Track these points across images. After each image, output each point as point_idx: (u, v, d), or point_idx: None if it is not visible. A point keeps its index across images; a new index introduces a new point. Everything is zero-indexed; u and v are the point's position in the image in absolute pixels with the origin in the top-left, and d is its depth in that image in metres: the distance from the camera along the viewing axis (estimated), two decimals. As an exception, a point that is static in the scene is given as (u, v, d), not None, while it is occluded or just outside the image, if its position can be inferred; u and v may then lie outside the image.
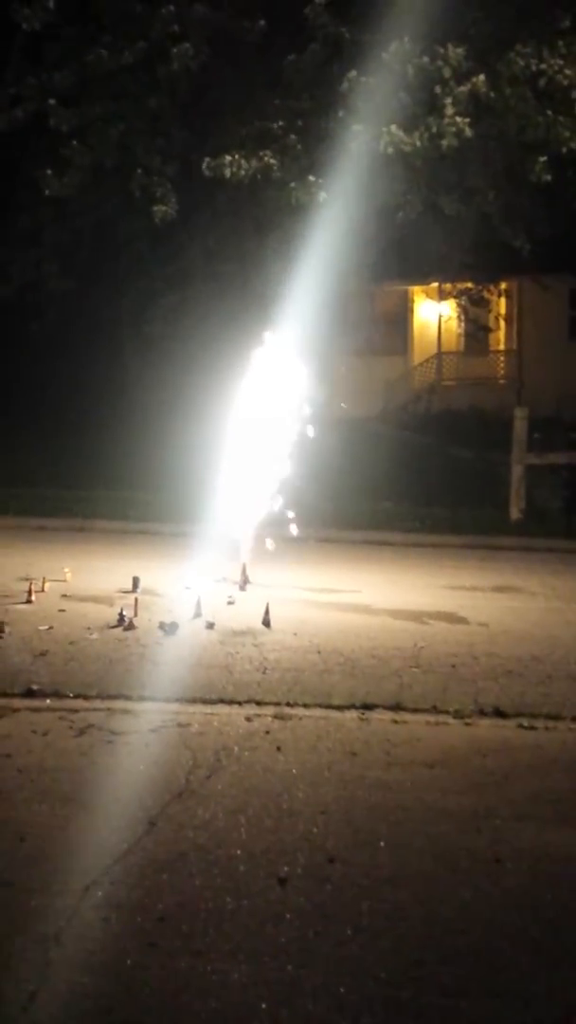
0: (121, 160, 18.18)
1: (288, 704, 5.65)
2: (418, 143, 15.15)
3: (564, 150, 15.45)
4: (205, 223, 19.04)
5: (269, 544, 9.31)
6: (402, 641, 7.20)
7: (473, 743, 5.18)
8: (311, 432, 9.28)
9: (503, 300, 26.26)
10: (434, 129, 15.11)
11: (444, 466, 17.94)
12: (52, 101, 17.63)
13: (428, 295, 26.49)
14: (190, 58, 17.60)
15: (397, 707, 5.68)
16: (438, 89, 15.26)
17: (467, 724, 5.49)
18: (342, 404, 20.60)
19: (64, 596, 8.32)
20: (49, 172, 17.63)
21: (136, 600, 7.81)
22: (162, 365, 20.77)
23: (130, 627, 7.21)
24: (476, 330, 26.11)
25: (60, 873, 3.60)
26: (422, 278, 24.93)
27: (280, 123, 16.71)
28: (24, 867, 3.65)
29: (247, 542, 9.31)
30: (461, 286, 24.46)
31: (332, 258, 16.21)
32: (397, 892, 3.57)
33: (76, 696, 5.67)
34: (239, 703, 5.65)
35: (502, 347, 27.05)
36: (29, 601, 8.00)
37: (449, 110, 14.99)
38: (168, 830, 3.97)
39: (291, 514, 9.37)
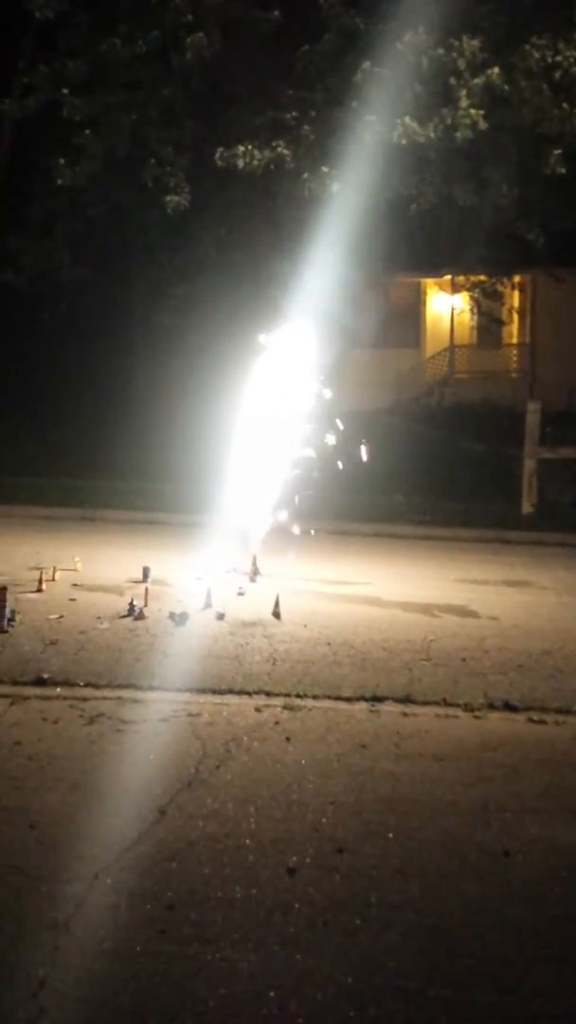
0: (134, 150, 18.18)
1: (298, 695, 5.66)
2: (432, 135, 15.10)
3: (579, 143, 15.39)
4: (217, 214, 19.01)
5: (296, 529, 9.32)
6: (412, 634, 7.19)
7: (483, 736, 5.18)
8: (336, 427, 9.29)
9: (516, 293, 26.15)
10: (448, 121, 15.05)
11: (456, 459, 17.90)
12: (65, 91, 17.63)
13: (441, 287, 26.38)
14: (204, 48, 17.58)
15: (407, 699, 5.68)
16: (453, 81, 15.20)
17: (477, 717, 5.49)
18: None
19: (74, 585, 8.34)
20: (62, 161, 17.63)
21: (146, 590, 7.82)
22: (172, 355, 20.77)
23: (140, 617, 7.22)
24: (489, 323, 25.99)
25: (70, 860, 3.62)
26: (435, 270, 24.83)
27: (293, 114, 16.67)
28: (34, 854, 3.67)
29: (257, 533, 9.32)
30: (474, 279, 24.34)
31: (344, 250, 16.17)
32: (406, 884, 3.58)
33: (86, 685, 5.69)
34: (249, 694, 5.66)
35: (515, 340, 26.93)
36: (40, 590, 8.02)
37: (464, 102, 14.93)
38: (178, 819, 3.98)
39: (299, 501, 9.40)
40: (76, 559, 9.12)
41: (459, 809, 4.24)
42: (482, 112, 14.90)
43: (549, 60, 15.11)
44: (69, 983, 2.92)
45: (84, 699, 5.44)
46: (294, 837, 3.88)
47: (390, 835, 3.94)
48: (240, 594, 8.25)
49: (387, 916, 3.35)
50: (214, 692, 5.66)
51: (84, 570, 8.93)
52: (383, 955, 3.12)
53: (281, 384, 9.31)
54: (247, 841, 3.82)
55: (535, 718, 5.50)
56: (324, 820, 4.04)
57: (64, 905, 3.31)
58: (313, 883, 3.53)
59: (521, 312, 26.47)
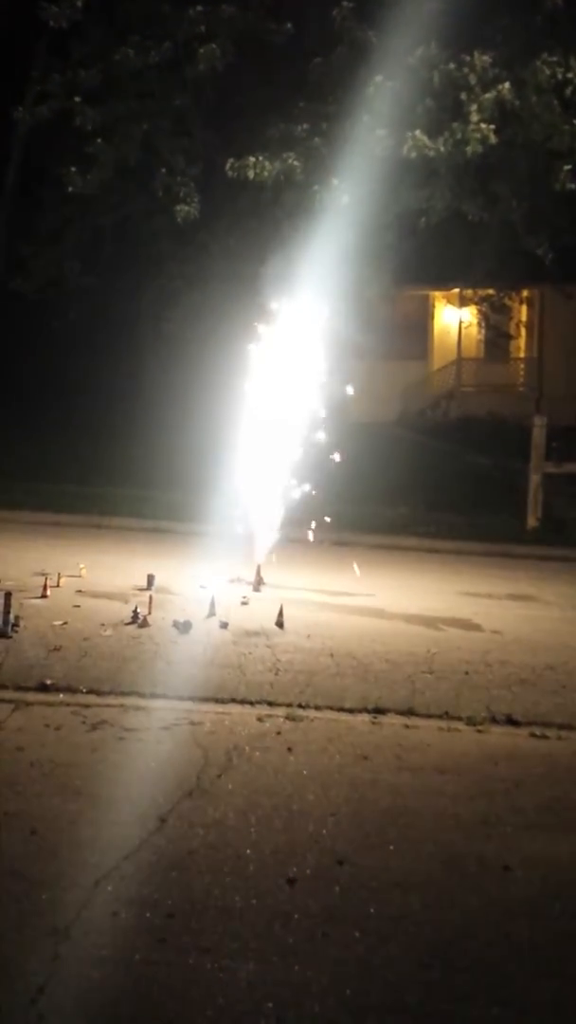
0: (145, 159, 18.26)
1: (300, 706, 5.66)
2: (442, 149, 15.15)
3: (588, 159, 15.43)
4: (227, 224, 19.08)
5: (311, 536, 9.34)
6: (415, 646, 7.19)
7: (484, 750, 5.18)
8: (324, 436, 9.31)
9: (524, 307, 26.22)
10: (459, 135, 15.10)
11: (461, 472, 17.92)
12: (78, 99, 17.72)
13: (449, 301, 26.46)
14: (216, 59, 17.67)
15: (409, 712, 5.68)
16: (463, 96, 15.26)
17: (479, 731, 5.48)
18: (349, 391, 20.70)
19: (79, 592, 8.35)
20: (73, 170, 17.73)
21: (150, 598, 7.84)
22: (180, 364, 20.82)
23: (144, 624, 7.23)
24: (496, 337, 26.06)
25: (71, 867, 3.62)
26: (444, 284, 24.91)
27: (305, 126, 16.74)
28: (35, 860, 3.67)
29: (262, 543, 9.33)
30: (483, 292, 24.41)
31: (354, 262, 16.22)
32: (406, 896, 3.57)
33: (89, 692, 5.69)
34: (251, 703, 5.66)
35: (522, 354, 26.98)
36: (44, 596, 8.03)
37: (474, 117, 14.98)
38: (178, 828, 3.99)
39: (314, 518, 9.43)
40: (81, 566, 9.14)
41: (460, 823, 4.23)
42: (492, 127, 14.95)
43: (560, 76, 15.16)
44: (68, 990, 2.92)
45: (87, 706, 5.44)
46: (295, 848, 3.88)
47: (391, 847, 3.94)
48: (244, 603, 8.26)
49: (387, 928, 3.35)
50: (216, 701, 5.66)
51: (89, 577, 8.94)
52: (382, 967, 3.12)
53: (287, 393, 9.33)
54: (247, 851, 3.82)
55: (537, 733, 5.49)
56: (325, 831, 4.04)
57: (64, 912, 3.32)
58: (313, 894, 3.53)
59: (529, 326, 26.54)
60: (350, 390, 9.48)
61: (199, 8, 17.75)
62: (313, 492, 9.41)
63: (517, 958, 3.24)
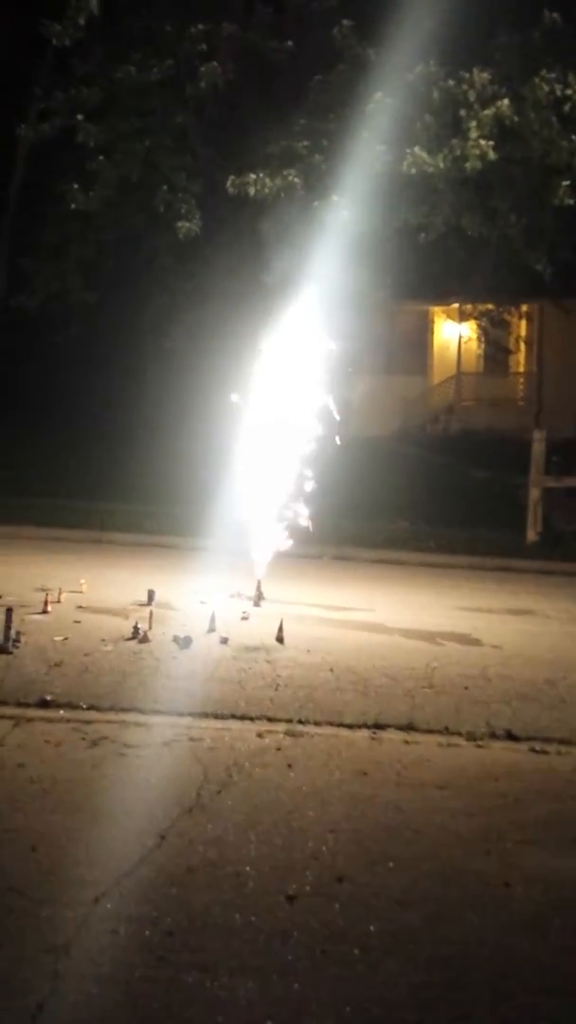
0: (147, 176, 18.37)
1: (300, 721, 5.66)
2: (442, 165, 15.26)
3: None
4: (228, 240, 19.18)
5: (308, 524, 9.31)
6: (415, 661, 7.19)
7: (484, 766, 5.17)
8: (330, 448, 9.33)
9: (523, 322, 26.30)
10: (458, 151, 15.22)
11: (461, 487, 17.94)
12: (80, 116, 17.84)
13: (449, 315, 26.54)
14: (217, 77, 17.80)
15: (409, 727, 5.68)
16: (463, 112, 15.38)
17: (479, 746, 5.48)
18: (354, 402, 20.61)
19: (80, 607, 8.36)
20: (75, 186, 17.84)
21: (151, 613, 7.84)
22: (181, 379, 20.88)
23: (144, 640, 7.24)
24: (496, 352, 26.15)
25: (70, 884, 3.62)
26: (443, 298, 25.00)
27: (305, 142, 16.85)
28: (35, 877, 3.67)
29: (262, 558, 9.34)
30: (482, 307, 24.50)
31: (354, 277, 16.29)
32: (406, 913, 3.57)
33: (89, 708, 5.69)
34: (251, 719, 5.66)
35: (522, 369, 27.06)
36: (45, 612, 8.04)
37: (473, 133, 15.10)
38: (178, 844, 3.98)
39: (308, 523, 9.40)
40: (82, 581, 9.15)
41: (460, 839, 4.23)
42: (491, 143, 15.06)
43: (558, 93, 15.30)
44: (67, 1008, 2.92)
45: (87, 722, 5.44)
46: (294, 864, 3.87)
47: (391, 864, 3.94)
48: (244, 619, 8.27)
49: (387, 946, 3.34)
50: (216, 717, 5.66)
51: (90, 592, 8.95)
52: (382, 985, 3.11)
53: (288, 409, 9.36)
54: (247, 868, 3.82)
55: (537, 748, 5.48)
56: (324, 848, 4.04)
57: (64, 929, 3.31)
58: (313, 911, 3.53)
59: (528, 341, 26.62)
60: (355, 402, 9.50)
61: (200, 26, 17.90)
62: (309, 520, 9.40)
63: (518, 975, 3.23)
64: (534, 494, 14.13)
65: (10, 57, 21.85)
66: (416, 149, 15.29)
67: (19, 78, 20.99)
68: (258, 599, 8.97)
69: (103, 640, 7.23)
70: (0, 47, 22.34)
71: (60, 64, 19.52)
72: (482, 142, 15.03)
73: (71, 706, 5.69)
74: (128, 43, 18.72)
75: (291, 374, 9.38)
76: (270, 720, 5.65)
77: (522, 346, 26.73)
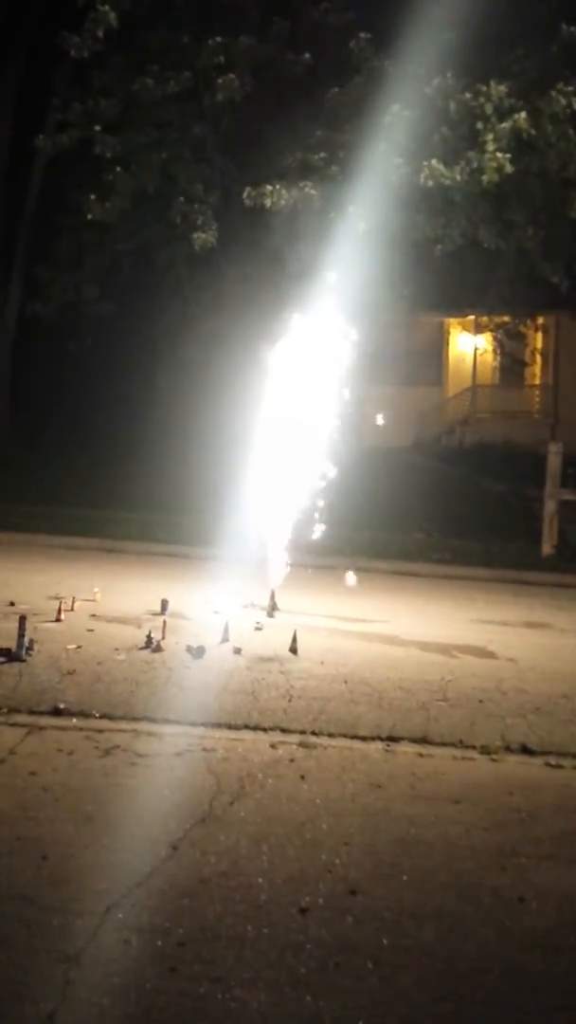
0: (163, 187, 18.43)
1: (313, 733, 5.63)
2: (458, 177, 15.26)
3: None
4: (243, 251, 19.21)
5: (315, 565, 9.29)
6: (430, 674, 7.16)
7: (499, 780, 5.13)
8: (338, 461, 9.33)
9: (540, 335, 26.25)
10: (475, 164, 15.22)
11: (476, 499, 17.89)
12: (98, 128, 17.93)
13: (464, 327, 26.51)
14: (234, 89, 17.85)
15: (423, 740, 5.65)
16: (479, 125, 15.38)
17: (494, 760, 5.44)
18: (378, 420, 20.56)
19: (93, 616, 8.36)
20: (92, 197, 17.91)
21: (164, 623, 7.84)
22: (197, 389, 20.92)
23: (157, 649, 7.22)
24: (512, 364, 26.09)
25: (82, 893, 3.60)
26: (459, 310, 24.96)
27: (322, 154, 16.88)
28: (46, 886, 3.66)
29: (276, 568, 9.32)
30: (498, 319, 24.45)
31: (370, 288, 16.29)
32: (419, 927, 3.54)
33: (102, 716, 5.69)
34: (264, 730, 5.64)
35: (537, 381, 26.98)
36: (58, 620, 8.04)
37: (490, 146, 15.10)
38: (190, 855, 3.97)
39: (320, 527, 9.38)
40: (95, 590, 9.15)
41: (474, 853, 4.20)
42: (508, 156, 15.05)
43: (575, 106, 15.28)
44: (78, 1017, 2.90)
45: (100, 731, 5.44)
46: (307, 877, 3.85)
47: (404, 877, 3.91)
48: (258, 629, 8.25)
49: (399, 959, 3.31)
50: (229, 727, 5.64)
51: (103, 601, 8.95)
52: (394, 999, 3.09)
53: (302, 419, 9.35)
54: (259, 879, 3.80)
55: (552, 762, 5.45)
56: (338, 860, 4.01)
57: (75, 939, 3.30)
58: (325, 924, 3.50)
59: (544, 353, 26.56)
60: (380, 420, 9.50)
61: (218, 39, 17.97)
62: (320, 524, 9.39)
63: (532, 990, 3.20)
64: (550, 507, 14.08)
65: (29, 68, 22.02)
66: (433, 161, 15.30)
67: (37, 89, 21.15)
68: (272, 610, 8.95)
69: (116, 649, 7.23)
70: (19, 58, 22.53)
71: (78, 76, 19.64)
72: (499, 155, 15.03)
73: (84, 715, 5.69)
74: (146, 55, 18.81)
75: (306, 382, 9.37)
76: (283, 731, 5.63)
77: (538, 358, 26.67)
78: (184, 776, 4.84)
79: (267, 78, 18.64)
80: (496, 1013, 3.06)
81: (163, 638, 7.41)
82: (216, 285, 20.12)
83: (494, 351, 26.12)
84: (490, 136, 15.15)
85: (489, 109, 15.32)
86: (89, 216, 18.11)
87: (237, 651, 7.37)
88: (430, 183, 15.28)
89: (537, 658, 8.00)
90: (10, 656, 6.71)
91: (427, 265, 17.93)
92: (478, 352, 26.24)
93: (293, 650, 7.45)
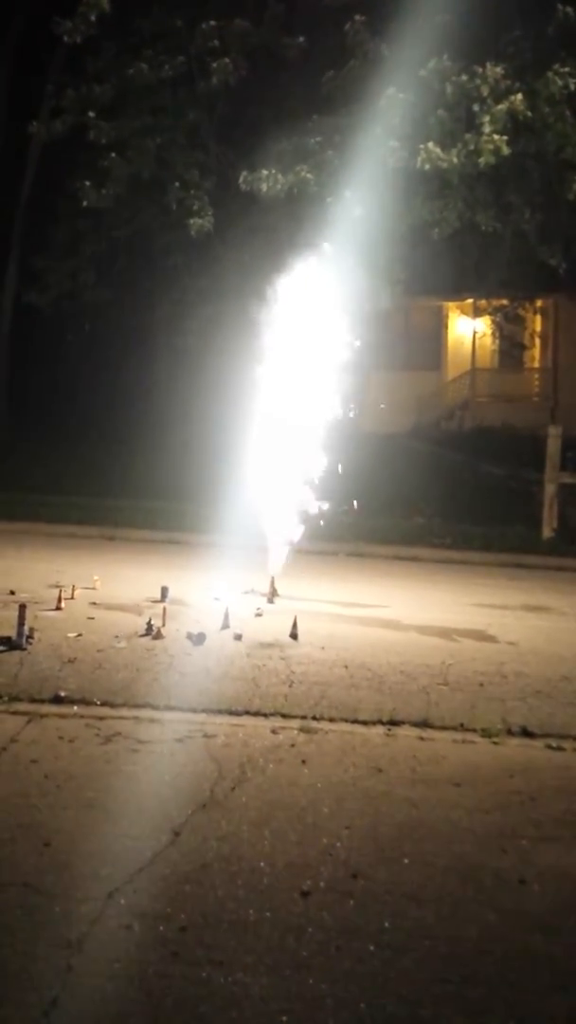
0: (159, 173, 18.37)
1: (314, 718, 5.64)
2: (455, 160, 15.19)
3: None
4: (240, 237, 19.15)
5: (315, 550, 9.26)
6: (430, 658, 7.17)
7: (500, 762, 5.14)
8: (336, 446, 9.31)
9: (538, 318, 26.19)
10: (471, 147, 15.15)
11: (476, 483, 17.89)
12: (92, 114, 17.85)
13: (463, 311, 26.45)
14: (229, 73, 17.77)
15: (424, 724, 5.65)
16: (476, 107, 15.31)
17: (494, 743, 5.45)
18: (381, 405, 20.51)
19: (93, 604, 8.36)
20: (88, 184, 17.85)
21: (164, 610, 7.84)
22: (194, 376, 20.90)
23: (158, 636, 7.23)
24: (511, 347, 26.04)
25: (84, 880, 3.61)
26: (457, 294, 24.91)
27: (317, 138, 16.81)
28: (48, 872, 3.66)
29: (276, 554, 9.32)
30: (496, 303, 24.40)
31: (367, 273, 16.24)
32: (421, 910, 3.55)
33: (103, 704, 5.69)
34: (265, 715, 5.65)
35: (537, 365, 26.93)
36: (59, 608, 8.05)
37: (487, 128, 15.03)
38: (192, 840, 3.97)
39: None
40: (95, 577, 9.15)
41: (475, 835, 4.20)
42: (505, 138, 14.98)
43: (572, 87, 15.20)
44: (80, 1003, 2.91)
45: (101, 718, 5.44)
46: (309, 861, 3.86)
47: (405, 860, 3.92)
48: (258, 615, 8.26)
49: (401, 942, 3.32)
50: (230, 713, 5.65)
51: (103, 589, 8.96)
52: (396, 981, 3.09)
53: (301, 405, 9.33)
54: (261, 864, 3.81)
55: (553, 745, 5.45)
56: (339, 844, 4.02)
57: (77, 925, 3.31)
58: (327, 907, 3.51)
59: (543, 336, 26.50)
60: (382, 405, 9.48)
61: (212, 23, 17.88)
62: (319, 510, 9.39)
63: (533, 972, 3.21)
64: (550, 490, 14.07)
65: (23, 55, 21.91)
66: (429, 144, 15.23)
67: (31, 76, 21.04)
68: (272, 595, 8.95)
69: (116, 636, 7.23)
70: (12, 44, 22.40)
71: (72, 61, 19.55)
72: (496, 137, 14.95)
73: (85, 702, 5.70)
74: (140, 40, 18.71)
75: (304, 369, 9.35)
76: (284, 716, 5.64)
77: (537, 341, 26.61)
78: (185, 762, 4.85)
79: (262, 62, 18.55)
80: (497, 994, 3.07)
81: (163, 625, 7.42)
82: (213, 271, 20.07)
83: (493, 335, 26.06)
84: (487, 118, 15.08)
85: (485, 91, 15.24)
86: (85, 203, 18.06)
87: (238, 637, 7.38)
88: (427, 166, 15.22)
89: (537, 641, 8.00)
90: (10, 644, 6.72)
91: (425, 249, 17.88)
92: (477, 336, 26.18)
93: (294, 636, 7.45)
